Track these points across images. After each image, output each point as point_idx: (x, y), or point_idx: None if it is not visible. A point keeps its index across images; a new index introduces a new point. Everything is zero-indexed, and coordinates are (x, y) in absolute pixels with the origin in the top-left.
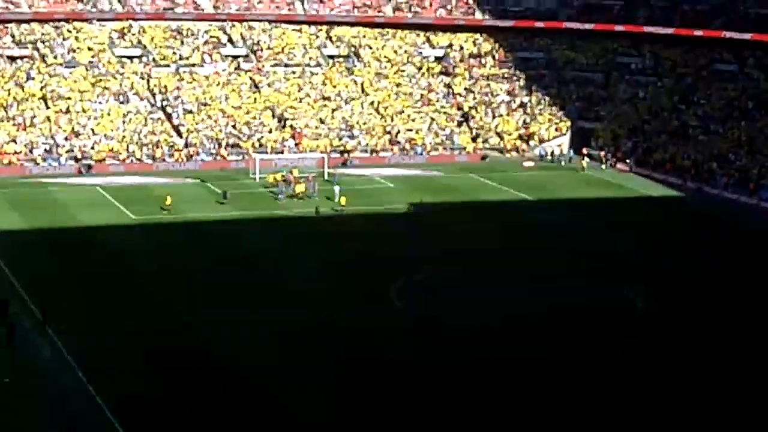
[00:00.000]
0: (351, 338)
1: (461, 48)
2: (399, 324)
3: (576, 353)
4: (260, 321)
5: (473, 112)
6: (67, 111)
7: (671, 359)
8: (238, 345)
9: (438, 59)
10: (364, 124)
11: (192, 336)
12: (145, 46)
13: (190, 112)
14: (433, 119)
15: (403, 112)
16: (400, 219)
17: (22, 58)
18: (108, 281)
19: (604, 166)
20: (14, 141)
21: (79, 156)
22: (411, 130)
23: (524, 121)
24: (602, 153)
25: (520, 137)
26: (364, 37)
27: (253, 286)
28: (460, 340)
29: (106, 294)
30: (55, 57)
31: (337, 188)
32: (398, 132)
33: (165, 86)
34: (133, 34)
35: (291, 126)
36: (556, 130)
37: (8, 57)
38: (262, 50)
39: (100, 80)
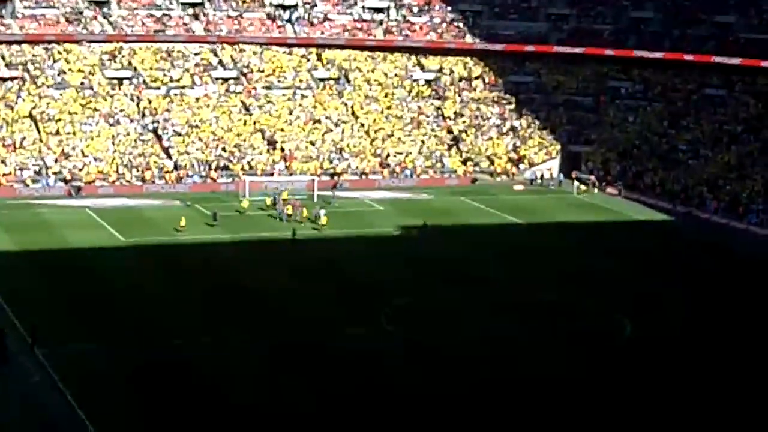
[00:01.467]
0: (342, 362)
1: (452, 71)
2: (391, 347)
3: (565, 377)
4: (250, 344)
5: (463, 135)
6: (57, 133)
7: (659, 384)
8: (228, 368)
9: (428, 82)
10: (354, 146)
11: (181, 359)
12: (135, 68)
13: (180, 134)
14: (423, 142)
15: (393, 135)
16: (390, 241)
17: (12, 79)
18: (97, 303)
19: (596, 190)
20: (3, 162)
21: (69, 178)
22: (401, 153)
23: (514, 145)
24: (592, 177)
25: (510, 161)
26: (355, 60)
27: (242, 308)
28: (452, 363)
29: (95, 316)
30: (46, 78)
31: (322, 211)
32: (388, 155)
33: (155, 108)
34: (124, 56)
35: (281, 148)
36: (546, 153)
37: None
38: (252, 73)
39: (91, 102)
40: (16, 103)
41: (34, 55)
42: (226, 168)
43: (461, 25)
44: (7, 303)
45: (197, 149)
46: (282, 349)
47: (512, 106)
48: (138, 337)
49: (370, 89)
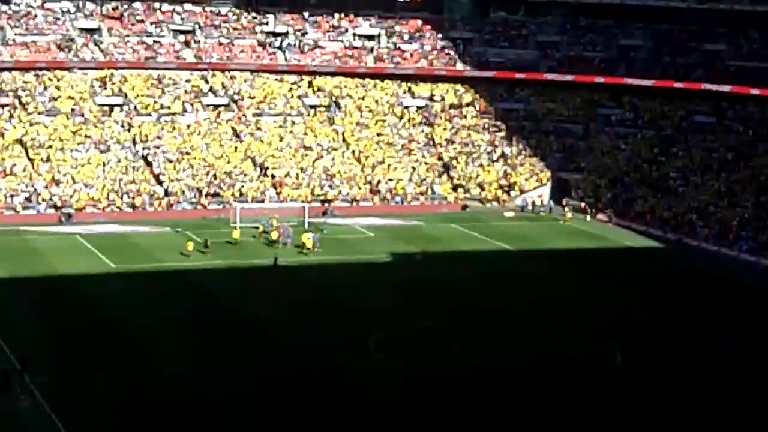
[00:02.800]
0: (332, 390)
1: (442, 98)
2: (380, 375)
3: (556, 405)
4: (241, 372)
5: (454, 162)
6: (48, 159)
7: (649, 412)
8: (219, 395)
9: (419, 109)
10: (345, 173)
11: (172, 387)
12: (126, 95)
13: (171, 160)
14: (414, 169)
15: (384, 161)
16: (381, 268)
17: (3, 106)
18: (87, 330)
19: (589, 217)
20: None
21: (60, 204)
22: (392, 179)
23: (505, 172)
24: (582, 204)
25: (500, 187)
26: (346, 87)
27: (232, 335)
28: (443, 390)
29: (85, 344)
30: (36, 105)
31: (312, 236)
32: (379, 182)
33: (146, 135)
34: (114, 83)
35: (272, 175)
36: (537, 180)
37: None
38: (243, 99)
39: (81, 129)
40: (8, 129)
41: (24, 82)
42: (216, 195)
43: (452, 52)
44: None
45: (188, 176)
46: (272, 377)
47: (503, 133)
48: (128, 365)
49: (361, 116)
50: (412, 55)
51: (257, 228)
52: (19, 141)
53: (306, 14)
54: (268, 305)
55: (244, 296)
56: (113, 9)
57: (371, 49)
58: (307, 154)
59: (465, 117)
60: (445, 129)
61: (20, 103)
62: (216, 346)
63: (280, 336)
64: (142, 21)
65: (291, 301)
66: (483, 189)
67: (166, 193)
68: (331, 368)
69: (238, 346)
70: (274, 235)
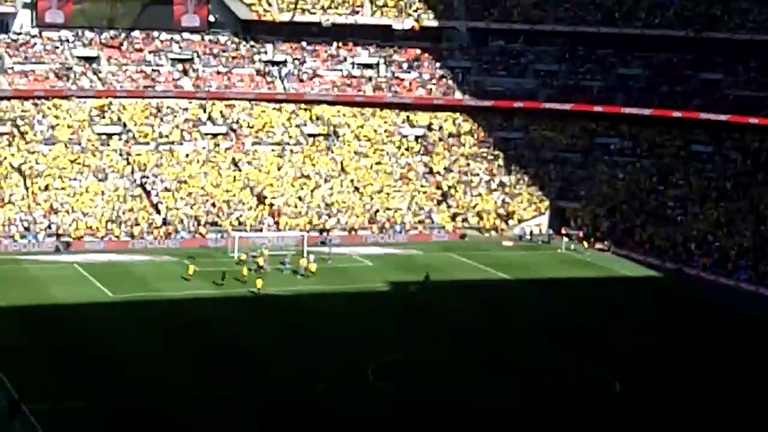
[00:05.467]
0: (331, 420)
1: (441, 127)
2: (379, 404)
3: None
4: (239, 402)
5: (452, 191)
6: (46, 188)
7: None
8: (217, 427)
9: (417, 138)
10: (344, 202)
11: (167, 417)
12: (124, 124)
13: (169, 189)
14: (412, 198)
15: (382, 190)
16: (379, 297)
17: (1, 134)
18: (85, 360)
19: (586, 245)
20: None
21: (58, 233)
22: (390, 208)
23: (503, 201)
24: (581, 233)
25: (499, 216)
26: (344, 115)
27: (231, 365)
28: (442, 420)
29: (82, 373)
30: (35, 134)
31: (311, 257)
32: (377, 210)
33: (144, 164)
34: (113, 112)
35: (270, 204)
36: (535, 209)
37: None
38: (241, 128)
39: (79, 157)
40: (6, 158)
41: (23, 111)
42: (215, 224)
43: (450, 81)
44: None
45: (186, 205)
46: (271, 407)
47: (501, 162)
48: (125, 395)
49: (360, 145)
50: (410, 84)
51: (255, 257)
52: (18, 169)
53: (304, 43)
54: (265, 333)
55: (243, 326)
56: (112, 38)
57: (370, 78)
58: (305, 183)
59: (463, 146)
60: (443, 158)
61: (19, 131)
62: (213, 374)
63: (277, 364)
64: (141, 50)
65: (290, 330)
66: (481, 218)
67: (165, 222)
68: (329, 397)
69: (234, 374)
70: (260, 261)
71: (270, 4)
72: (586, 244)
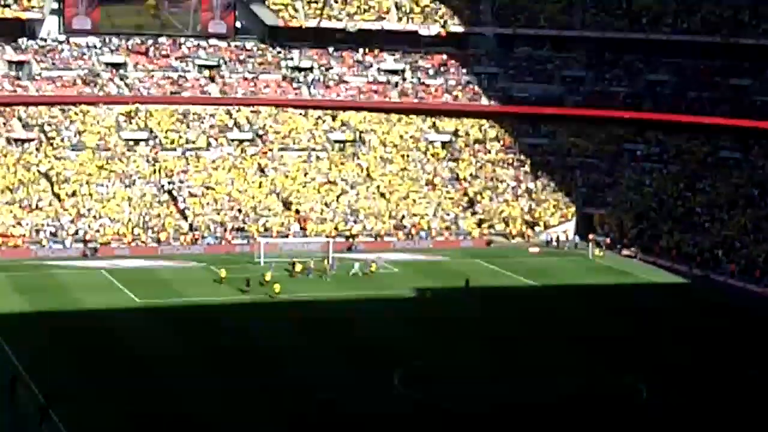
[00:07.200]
0: (356, 426)
1: (467, 133)
2: (405, 411)
3: None
4: (264, 408)
5: (479, 197)
6: (74, 194)
7: None
8: None
9: (444, 144)
10: (369, 208)
11: (193, 420)
12: (151, 130)
13: (196, 195)
14: (438, 204)
15: (408, 196)
16: (406, 303)
17: (29, 140)
18: (112, 365)
19: (598, 251)
20: (19, 224)
21: (85, 239)
22: (416, 214)
23: (530, 207)
24: (607, 240)
25: (525, 223)
26: (370, 121)
27: (256, 370)
28: (468, 427)
29: (110, 378)
30: (62, 140)
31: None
32: (403, 217)
33: (171, 169)
34: (140, 118)
35: (296, 210)
36: (562, 216)
37: (15, 140)
38: (267, 134)
39: (107, 163)
40: (35, 164)
41: (51, 117)
42: (241, 230)
43: (476, 87)
44: (22, 364)
45: (213, 210)
46: (296, 413)
47: (527, 168)
48: (152, 399)
49: (386, 151)
50: (436, 90)
51: (292, 266)
52: (45, 175)
53: (331, 49)
54: (292, 339)
55: (268, 331)
56: (139, 44)
57: (396, 84)
58: (331, 189)
59: (489, 152)
60: (469, 164)
61: (46, 137)
62: (238, 381)
63: (302, 371)
64: (168, 56)
65: (314, 335)
66: (508, 224)
67: (191, 228)
68: (354, 404)
69: (260, 380)
70: (267, 276)
71: (296, 11)
72: (598, 251)
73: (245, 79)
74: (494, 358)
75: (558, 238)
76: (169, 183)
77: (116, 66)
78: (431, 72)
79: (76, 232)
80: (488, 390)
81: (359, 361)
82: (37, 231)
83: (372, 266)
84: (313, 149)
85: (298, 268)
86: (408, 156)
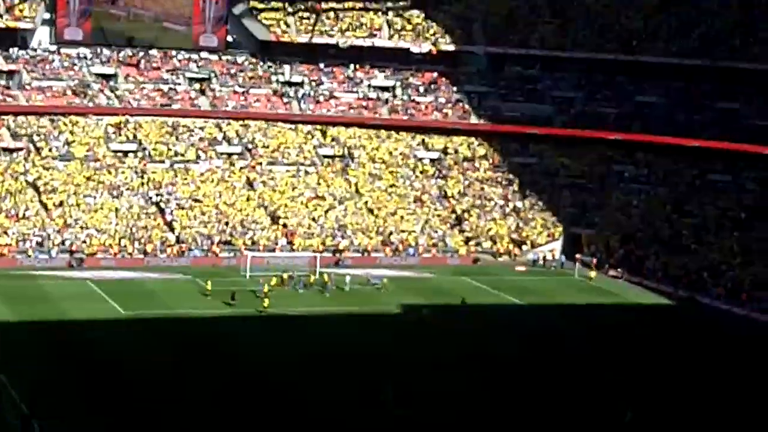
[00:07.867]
0: None
1: (456, 151)
2: (397, 429)
3: None
4: (251, 424)
5: (466, 215)
6: (61, 204)
7: None
8: None
9: (433, 161)
10: (357, 224)
11: None
12: (140, 142)
13: (183, 208)
14: (426, 221)
15: (396, 213)
16: (392, 320)
17: (17, 150)
18: (96, 376)
19: (593, 273)
20: (6, 233)
21: (71, 249)
22: (404, 231)
23: (517, 226)
24: (594, 260)
25: (512, 241)
26: (359, 137)
27: (244, 385)
28: None
29: (93, 390)
30: (50, 150)
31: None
32: (391, 233)
33: (159, 181)
34: (129, 129)
35: (284, 224)
36: (549, 235)
37: (3, 149)
38: (257, 148)
39: (95, 174)
40: (23, 174)
41: (39, 127)
42: (228, 243)
43: (466, 105)
44: (4, 374)
45: (200, 223)
46: (283, 428)
47: (516, 187)
48: (137, 412)
49: (374, 167)
50: (426, 108)
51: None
52: (33, 185)
53: (321, 65)
54: (280, 355)
55: (254, 346)
56: (130, 56)
57: (386, 101)
58: (319, 204)
59: (478, 170)
60: (458, 182)
61: (35, 147)
62: (224, 396)
63: (293, 388)
64: (159, 68)
65: (302, 352)
66: (495, 242)
67: (178, 240)
68: (343, 421)
69: (246, 397)
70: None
71: (288, 26)
72: (593, 273)
73: (235, 92)
74: (484, 376)
75: (545, 257)
76: (156, 195)
77: (107, 77)
78: (422, 89)
79: (63, 243)
80: (480, 407)
81: (350, 379)
82: (24, 240)
83: (384, 281)
84: (302, 164)
85: (285, 275)
86: (397, 172)
